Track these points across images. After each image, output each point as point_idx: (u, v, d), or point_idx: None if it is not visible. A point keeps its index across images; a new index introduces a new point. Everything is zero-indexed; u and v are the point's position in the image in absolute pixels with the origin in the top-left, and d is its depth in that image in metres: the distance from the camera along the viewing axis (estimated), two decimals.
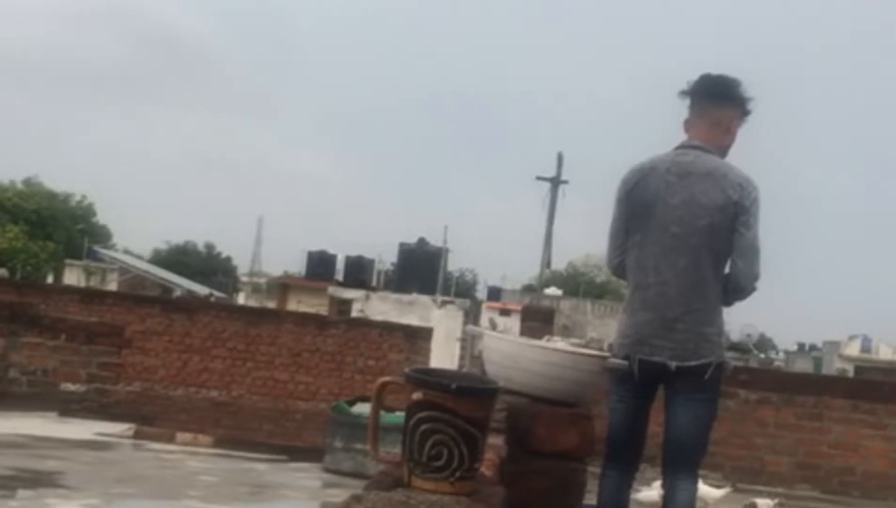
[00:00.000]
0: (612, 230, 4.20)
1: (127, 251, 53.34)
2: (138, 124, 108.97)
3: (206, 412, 13.17)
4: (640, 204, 4.06)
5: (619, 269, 4.24)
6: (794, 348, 66.34)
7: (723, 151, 4.15)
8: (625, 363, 3.86)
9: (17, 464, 7.77)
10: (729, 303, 4.13)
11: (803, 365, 51.14)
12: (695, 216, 3.96)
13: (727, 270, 4.07)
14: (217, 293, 39.10)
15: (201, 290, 39.63)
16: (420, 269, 30.94)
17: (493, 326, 25.45)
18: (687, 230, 3.96)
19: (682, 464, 4.03)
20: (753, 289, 4.08)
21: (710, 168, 4.02)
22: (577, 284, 57.14)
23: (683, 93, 4.18)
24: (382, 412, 2.53)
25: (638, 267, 4.07)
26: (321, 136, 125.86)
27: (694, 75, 4.20)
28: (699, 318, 3.96)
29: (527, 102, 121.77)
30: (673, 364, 3.92)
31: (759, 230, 4.00)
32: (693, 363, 3.93)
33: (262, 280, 55.76)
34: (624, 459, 4.07)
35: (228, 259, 68.28)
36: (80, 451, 8.74)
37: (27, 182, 52.45)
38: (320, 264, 34.00)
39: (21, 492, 6.81)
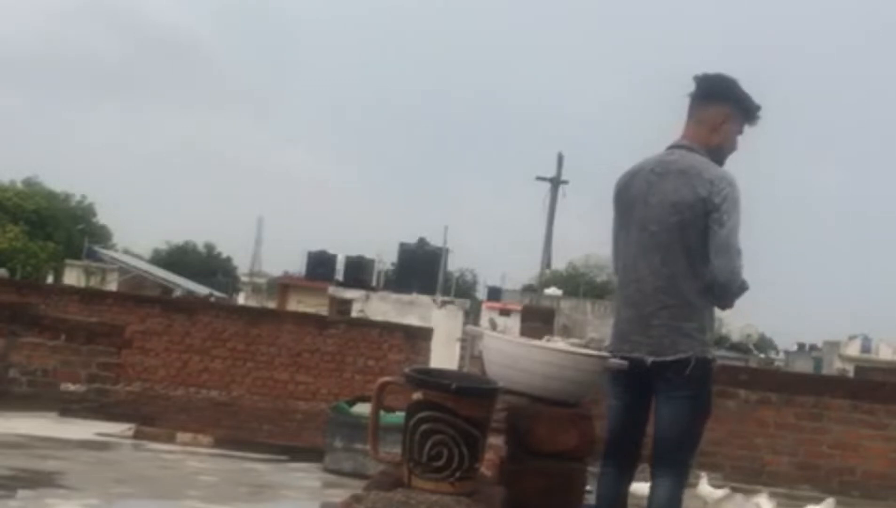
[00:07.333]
0: (612, 235, 4.26)
1: (127, 251, 53.42)
2: (138, 124, 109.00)
3: (206, 412, 13.17)
4: (624, 206, 4.14)
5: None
6: (794, 348, 66.39)
7: (712, 150, 4.10)
8: (624, 363, 3.85)
9: (17, 464, 7.77)
10: (720, 303, 4.08)
11: (803, 365, 51.19)
12: (667, 214, 3.99)
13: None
14: (217, 293, 39.13)
15: (201, 290, 39.65)
16: (420, 269, 31.00)
17: (493, 326, 25.45)
18: (661, 228, 4.00)
19: (662, 461, 4.01)
20: (738, 286, 3.97)
21: (686, 166, 4.02)
22: (577, 284, 57.22)
23: (688, 94, 4.21)
24: (382, 413, 2.53)
25: (622, 266, 4.16)
26: (321, 135, 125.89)
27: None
28: (675, 313, 3.95)
29: (527, 102, 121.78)
30: (649, 360, 3.92)
31: (737, 227, 3.93)
32: (670, 358, 3.92)
33: (262, 280, 55.72)
34: (620, 456, 4.06)
35: (228, 259, 68.41)
36: (80, 451, 8.74)
37: (27, 182, 52.54)
38: (320, 264, 34.08)
39: (21, 492, 6.81)
